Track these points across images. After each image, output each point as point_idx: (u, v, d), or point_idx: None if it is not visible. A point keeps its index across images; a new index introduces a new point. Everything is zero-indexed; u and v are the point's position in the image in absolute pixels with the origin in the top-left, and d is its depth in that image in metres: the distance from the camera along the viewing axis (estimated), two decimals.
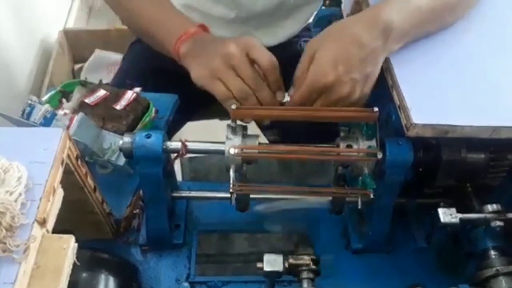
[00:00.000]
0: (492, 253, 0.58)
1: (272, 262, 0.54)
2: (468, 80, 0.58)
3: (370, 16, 0.58)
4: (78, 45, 1.68)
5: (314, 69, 0.55)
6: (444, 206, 0.57)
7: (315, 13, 0.90)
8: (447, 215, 0.56)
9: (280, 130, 0.88)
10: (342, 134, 0.59)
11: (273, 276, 0.55)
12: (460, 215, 0.56)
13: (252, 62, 0.57)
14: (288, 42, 0.89)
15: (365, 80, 0.56)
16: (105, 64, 1.64)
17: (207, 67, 0.58)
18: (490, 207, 0.58)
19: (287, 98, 0.58)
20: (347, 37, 0.55)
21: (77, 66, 1.71)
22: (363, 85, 0.56)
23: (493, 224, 0.56)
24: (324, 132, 0.61)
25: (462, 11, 0.64)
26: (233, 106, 0.56)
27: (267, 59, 0.57)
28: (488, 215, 0.57)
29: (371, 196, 0.58)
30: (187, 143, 0.58)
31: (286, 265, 0.55)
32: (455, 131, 0.54)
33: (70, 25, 1.79)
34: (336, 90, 0.55)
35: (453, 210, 0.57)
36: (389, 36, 0.56)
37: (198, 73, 0.59)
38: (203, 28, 0.64)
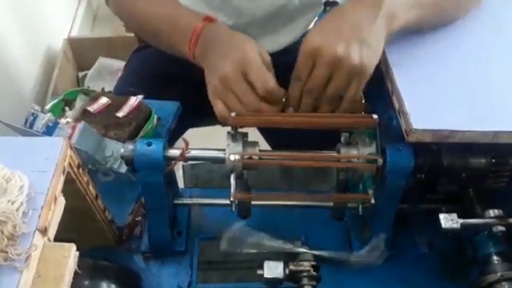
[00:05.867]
0: (495, 258, 0.58)
1: (273, 269, 0.54)
2: (468, 85, 0.58)
3: None
4: (82, 53, 1.70)
5: (304, 40, 0.55)
6: (445, 212, 0.57)
7: (316, 18, 0.90)
8: (448, 220, 0.56)
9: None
10: (342, 138, 0.59)
11: (274, 283, 0.55)
12: (461, 221, 0.56)
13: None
14: (289, 48, 0.89)
15: (361, 45, 0.54)
16: (109, 71, 1.66)
17: (209, 84, 0.58)
18: (492, 212, 0.57)
19: None
20: (336, 14, 0.57)
21: (81, 74, 1.73)
22: (359, 50, 0.54)
23: (494, 229, 0.56)
24: (325, 137, 0.61)
25: (465, 7, 0.64)
26: (233, 114, 0.56)
27: (262, 85, 0.55)
28: (490, 221, 0.57)
29: (372, 200, 0.58)
30: (187, 150, 0.58)
31: (287, 271, 0.55)
32: (455, 136, 0.54)
33: (75, 33, 1.81)
34: (328, 51, 0.53)
35: (454, 215, 0.56)
36: (381, 5, 0.56)
37: (207, 86, 0.59)
38: (209, 19, 0.62)
